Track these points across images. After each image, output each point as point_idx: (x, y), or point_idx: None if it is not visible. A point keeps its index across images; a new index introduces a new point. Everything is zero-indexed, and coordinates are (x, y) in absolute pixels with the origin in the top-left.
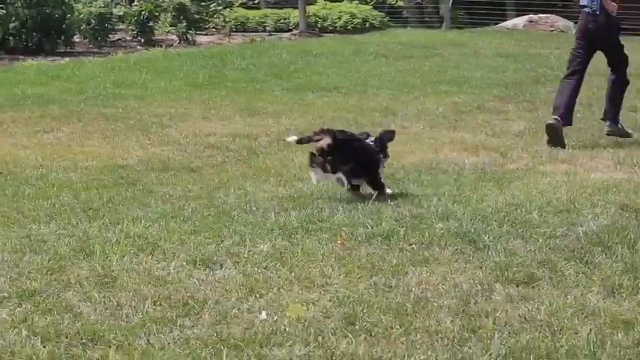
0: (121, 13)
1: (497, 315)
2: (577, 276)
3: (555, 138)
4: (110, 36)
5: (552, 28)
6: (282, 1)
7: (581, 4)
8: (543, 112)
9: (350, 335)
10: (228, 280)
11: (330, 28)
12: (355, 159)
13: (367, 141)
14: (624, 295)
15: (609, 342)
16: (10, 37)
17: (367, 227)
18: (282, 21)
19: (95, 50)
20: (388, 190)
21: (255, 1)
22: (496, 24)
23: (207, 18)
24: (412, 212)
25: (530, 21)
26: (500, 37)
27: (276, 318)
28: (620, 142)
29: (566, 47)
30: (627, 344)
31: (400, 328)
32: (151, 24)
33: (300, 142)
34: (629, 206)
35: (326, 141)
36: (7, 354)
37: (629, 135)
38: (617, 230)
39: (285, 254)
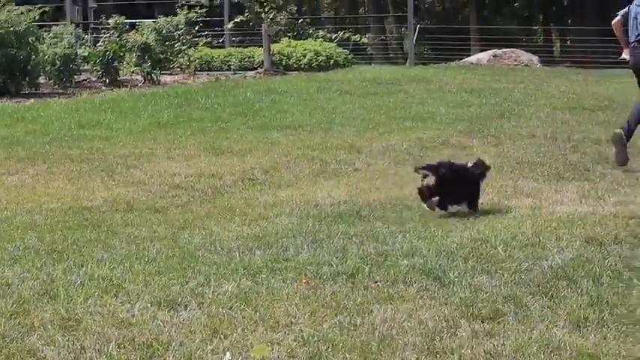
0: (86, 54)
1: (463, 351)
2: (542, 310)
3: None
4: (75, 77)
5: (516, 63)
6: (246, 40)
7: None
8: (508, 147)
9: None
10: (192, 321)
11: (295, 65)
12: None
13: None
14: (590, 328)
15: None
16: None
17: (332, 265)
18: (246, 60)
19: (60, 91)
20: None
21: (220, 40)
22: (460, 59)
23: (171, 57)
24: (377, 249)
25: (495, 56)
26: (464, 72)
27: (240, 359)
28: (585, 175)
29: (530, 81)
30: None
31: None
32: (115, 64)
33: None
34: (594, 239)
35: (430, 180)
36: None
37: None
38: (583, 263)
39: (250, 294)
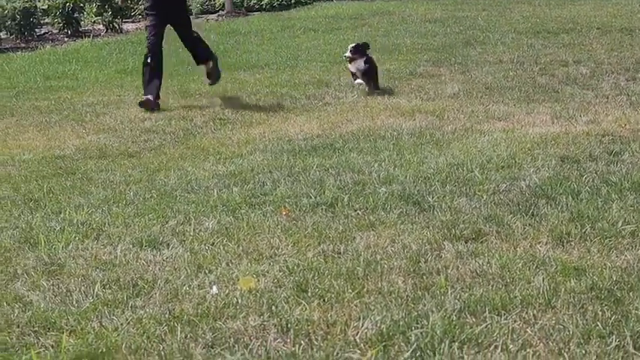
0: (46, 7)
1: (449, 271)
2: (524, 228)
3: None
4: (36, 30)
5: None
6: None
7: None
8: (476, 73)
9: (303, 302)
10: (176, 258)
11: (256, 6)
12: None
13: None
14: (573, 243)
15: (563, 289)
16: None
17: (311, 197)
18: (207, 3)
19: (22, 45)
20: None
21: None
22: None
23: (132, 5)
24: (354, 179)
25: None
26: (427, 3)
27: (227, 292)
28: (554, 97)
29: (492, 8)
30: (581, 289)
31: (353, 291)
32: (76, 15)
33: None
34: (569, 157)
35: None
36: None
37: None
38: (560, 181)
39: (231, 229)
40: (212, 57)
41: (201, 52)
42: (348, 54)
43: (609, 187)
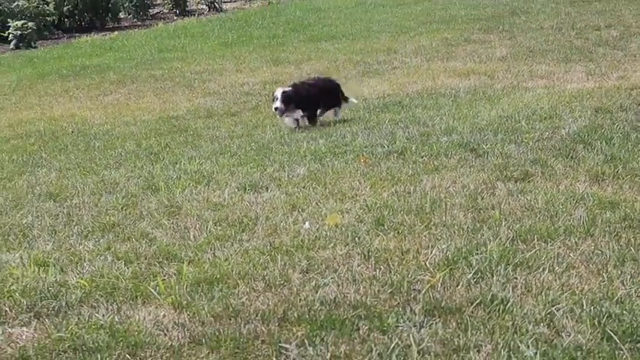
0: None
1: (502, 207)
2: (565, 169)
3: None
4: (150, 10)
5: None
6: None
7: None
8: (521, 39)
9: (381, 234)
10: (274, 199)
11: None
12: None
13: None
14: (607, 181)
15: (600, 220)
16: (65, 19)
17: (384, 146)
18: None
19: (138, 23)
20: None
21: None
22: None
23: None
24: (420, 131)
25: None
26: None
27: (317, 227)
28: (589, 57)
29: None
30: (615, 220)
31: (422, 224)
32: None
33: None
34: (603, 108)
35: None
36: (97, 276)
37: None
38: (595, 129)
39: (319, 174)
40: None
41: None
42: (278, 104)
43: (638, 133)
